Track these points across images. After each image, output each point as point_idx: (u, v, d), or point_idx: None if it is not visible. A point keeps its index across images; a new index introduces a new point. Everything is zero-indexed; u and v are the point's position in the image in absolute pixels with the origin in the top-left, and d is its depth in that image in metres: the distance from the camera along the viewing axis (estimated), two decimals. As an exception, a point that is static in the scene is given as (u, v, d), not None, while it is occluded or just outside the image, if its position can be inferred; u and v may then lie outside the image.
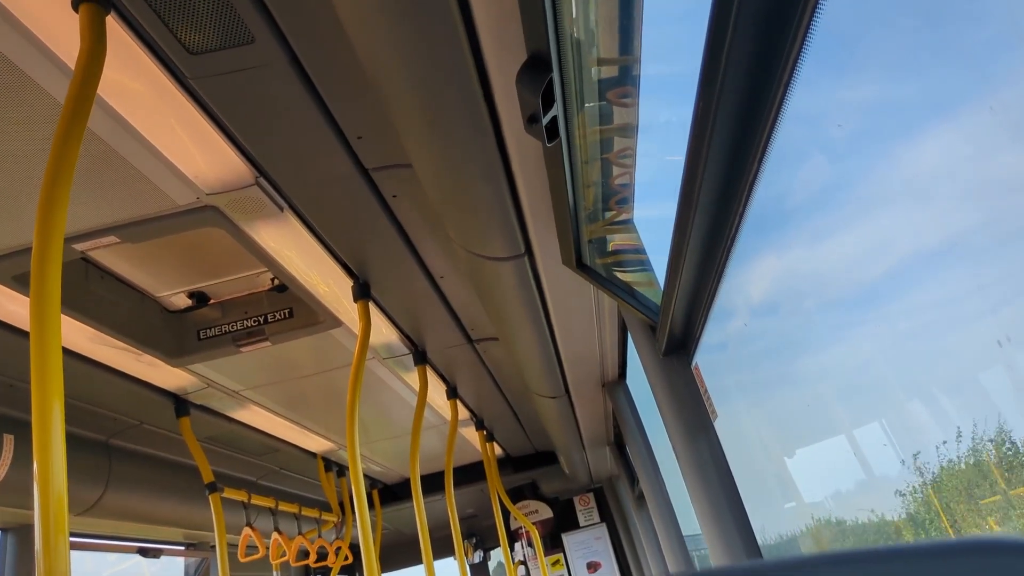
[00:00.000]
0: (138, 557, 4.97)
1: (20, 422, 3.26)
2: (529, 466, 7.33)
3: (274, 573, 5.75)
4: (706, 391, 2.20)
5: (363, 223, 2.64)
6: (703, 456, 2.08)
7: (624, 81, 1.81)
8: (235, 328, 3.25)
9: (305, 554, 5.82)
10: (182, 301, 3.20)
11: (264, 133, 2.07)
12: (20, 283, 2.49)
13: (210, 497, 4.20)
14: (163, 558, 5.18)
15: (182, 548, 5.44)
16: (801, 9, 0.92)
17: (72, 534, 1.33)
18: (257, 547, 5.04)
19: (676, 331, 2.16)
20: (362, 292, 3.07)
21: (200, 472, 4.14)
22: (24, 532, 3.87)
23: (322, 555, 6.20)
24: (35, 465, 1.30)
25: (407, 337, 3.82)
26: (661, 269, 2.38)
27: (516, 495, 8.04)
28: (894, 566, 0.51)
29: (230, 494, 4.65)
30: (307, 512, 5.80)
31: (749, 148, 1.24)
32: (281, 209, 2.42)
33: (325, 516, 6.06)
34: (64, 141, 1.48)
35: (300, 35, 1.79)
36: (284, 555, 5.40)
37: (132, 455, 4.15)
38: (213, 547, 5.48)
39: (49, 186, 1.47)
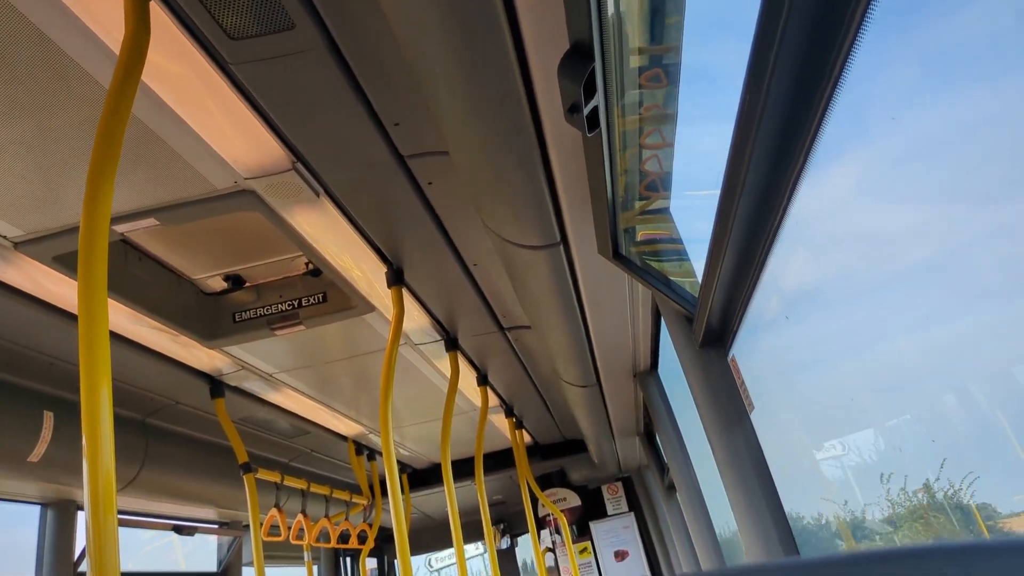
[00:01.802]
0: (170, 536, 5.06)
1: (58, 399, 3.33)
2: (558, 454, 7.33)
3: (305, 554, 5.82)
4: (743, 383, 2.17)
5: (398, 210, 2.65)
6: (739, 449, 2.06)
7: (664, 70, 1.79)
8: (270, 311, 3.28)
9: (327, 537, 5.89)
10: (218, 284, 3.24)
11: (302, 119, 2.07)
12: (60, 263, 2.53)
13: (244, 477, 4.26)
14: (195, 537, 5.26)
15: (215, 527, 5.53)
16: (857, -3, 0.90)
17: None
18: (280, 529, 5.11)
19: (714, 322, 2.14)
20: (396, 278, 3.09)
21: (233, 453, 4.19)
22: (63, 507, 3.95)
23: (344, 538, 6.26)
24: (84, 445, 1.32)
25: (439, 323, 3.83)
26: (698, 259, 2.36)
27: (544, 482, 8.06)
28: (942, 564, 0.50)
29: (264, 475, 4.71)
30: (338, 494, 5.86)
31: (797, 137, 1.22)
32: (317, 194, 2.43)
33: (355, 499, 6.12)
34: (109, 124, 1.50)
35: (340, 22, 1.79)
36: (305, 537, 5.46)
37: (168, 434, 4.22)
38: (246, 526, 5.58)
39: (96, 169, 1.48)
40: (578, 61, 1.39)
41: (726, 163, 1.41)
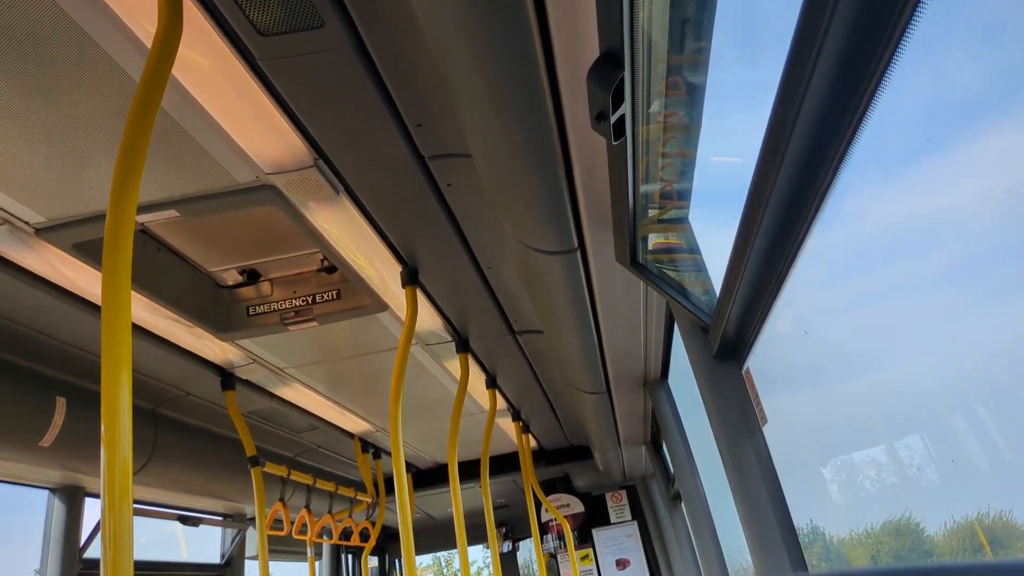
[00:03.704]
0: (170, 526, 5.09)
1: (71, 386, 3.35)
2: (562, 459, 7.32)
3: (308, 549, 5.83)
4: (756, 397, 2.17)
5: (416, 210, 2.66)
6: (750, 463, 2.05)
7: (691, 81, 1.79)
8: (284, 306, 3.29)
9: (329, 533, 5.90)
10: (233, 277, 3.26)
11: (326, 116, 2.08)
12: (80, 251, 2.55)
13: (252, 471, 4.28)
14: (198, 528, 5.28)
15: (220, 518, 5.55)
16: (897, 14, 0.90)
17: None
18: (283, 523, 5.13)
19: (730, 334, 2.13)
20: (410, 278, 3.09)
21: (241, 445, 4.21)
22: (71, 492, 3.97)
23: (346, 535, 6.27)
24: (102, 431, 1.33)
25: (451, 325, 3.83)
26: (715, 269, 2.35)
27: (548, 488, 8.05)
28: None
29: (270, 469, 4.73)
30: (343, 491, 5.87)
31: (828, 150, 1.21)
32: (337, 192, 2.44)
33: (360, 496, 6.13)
34: (138, 116, 1.51)
35: (368, 21, 1.79)
36: (307, 532, 5.48)
37: (177, 425, 4.24)
38: (251, 519, 5.59)
39: (123, 159, 1.49)
40: (608, 69, 1.39)
41: (753, 175, 1.41)
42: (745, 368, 2.22)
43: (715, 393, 2.25)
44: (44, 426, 3.18)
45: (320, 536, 5.87)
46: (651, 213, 2.32)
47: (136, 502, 4.56)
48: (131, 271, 1.49)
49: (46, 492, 3.97)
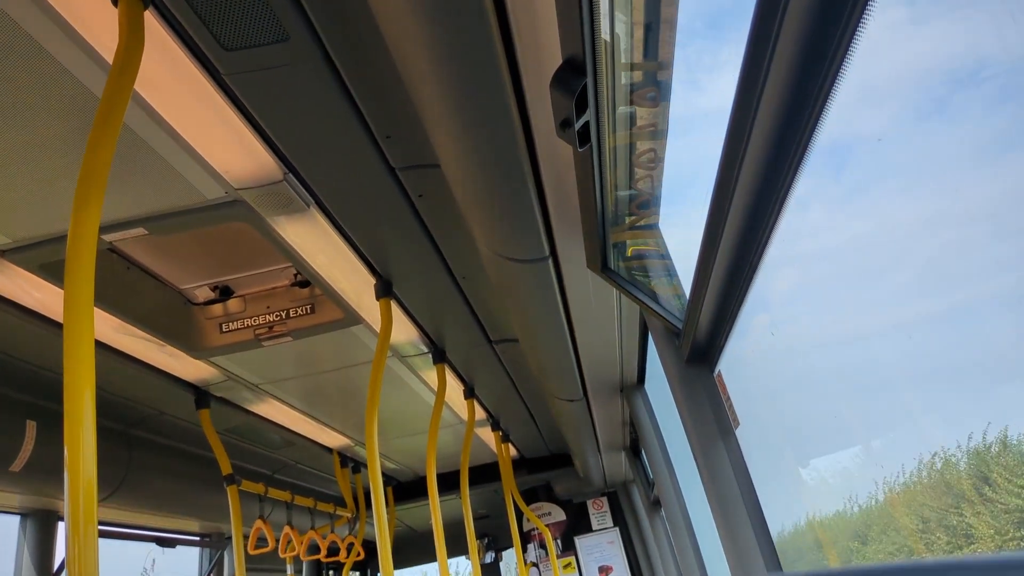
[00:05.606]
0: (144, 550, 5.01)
1: (42, 408, 3.29)
2: (543, 468, 7.32)
3: (288, 567, 5.77)
4: (728, 399, 2.18)
5: (388, 222, 2.65)
6: (724, 465, 2.07)
7: (655, 86, 1.80)
8: (257, 322, 3.27)
9: (316, 549, 5.85)
10: (205, 294, 3.23)
11: (294, 130, 2.08)
12: (47, 272, 2.52)
13: (228, 489, 4.23)
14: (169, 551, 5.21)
15: (197, 539, 5.48)
16: (850, 7, 0.91)
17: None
18: (267, 540, 5.07)
19: (700, 338, 2.15)
20: (384, 290, 3.08)
21: (218, 464, 4.16)
22: (43, 517, 3.91)
23: (333, 550, 6.23)
24: (65, 454, 1.31)
25: (427, 336, 3.83)
26: (685, 274, 2.37)
27: (530, 496, 8.03)
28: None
29: (247, 487, 4.68)
30: (322, 507, 5.82)
31: (786, 153, 1.23)
32: (308, 205, 2.43)
33: (340, 511, 6.08)
34: (100, 133, 1.50)
35: (334, 34, 1.79)
36: (294, 549, 5.42)
37: (152, 445, 4.18)
38: (229, 539, 5.53)
39: (85, 177, 1.48)
40: (570, 76, 1.40)
41: (715, 180, 1.42)
42: (716, 371, 2.24)
43: (688, 397, 2.26)
44: (14, 451, 3.13)
45: (308, 554, 5.82)
46: (621, 219, 2.33)
47: (110, 525, 4.50)
48: (95, 289, 1.47)
49: (17, 518, 3.90)
